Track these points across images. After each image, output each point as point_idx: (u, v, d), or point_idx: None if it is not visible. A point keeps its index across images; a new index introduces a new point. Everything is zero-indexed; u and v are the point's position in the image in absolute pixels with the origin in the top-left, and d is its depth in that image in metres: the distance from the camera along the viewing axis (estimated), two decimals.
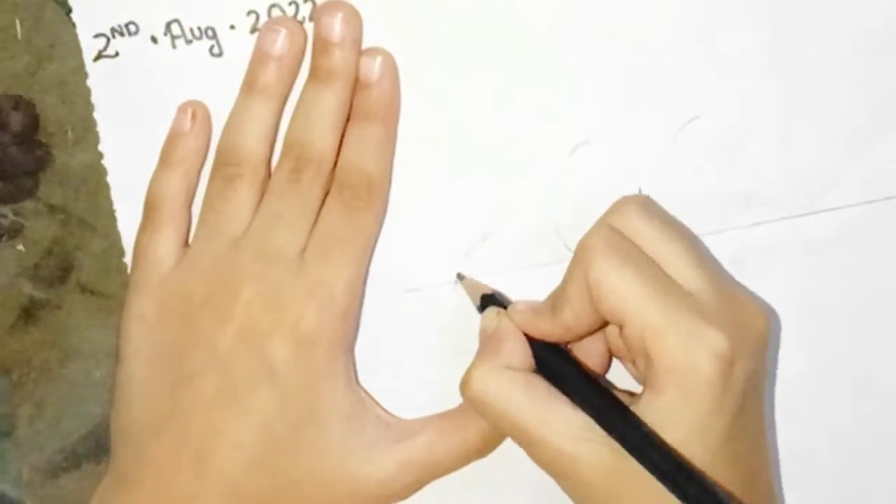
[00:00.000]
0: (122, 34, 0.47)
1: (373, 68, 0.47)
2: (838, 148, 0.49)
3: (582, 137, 0.49)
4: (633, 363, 0.45)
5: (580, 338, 0.45)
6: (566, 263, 0.45)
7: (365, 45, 0.47)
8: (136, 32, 0.47)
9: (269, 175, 0.47)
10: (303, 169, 0.46)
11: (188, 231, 0.48)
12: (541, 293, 0.46)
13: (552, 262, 0.48)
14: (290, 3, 0.48)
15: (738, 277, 0.48)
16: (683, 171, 0.49)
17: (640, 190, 0.48)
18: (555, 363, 0.45)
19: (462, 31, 0.48)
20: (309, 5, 0.48)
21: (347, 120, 0.47)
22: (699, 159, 0.49)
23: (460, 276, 0.48)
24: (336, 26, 0.46)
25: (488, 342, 0.45)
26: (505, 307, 0.46)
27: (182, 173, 0.47)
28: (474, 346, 0.47)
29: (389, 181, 0.48)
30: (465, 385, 0.44)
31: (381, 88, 0.47)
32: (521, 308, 0.45)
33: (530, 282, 0.48)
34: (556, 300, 0.44)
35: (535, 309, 0.45)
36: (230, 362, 0.45)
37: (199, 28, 0.48)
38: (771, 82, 0.48)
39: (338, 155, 0.47)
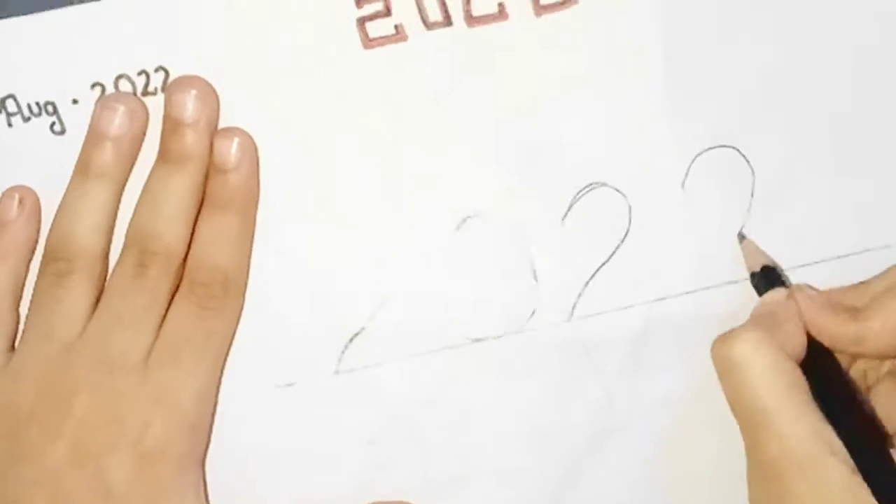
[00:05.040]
0: None
1: (230, 152, 0.44)
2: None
3: (470, 209, 0.45)
4: None
5: (864, 356, 0.43)
6: (460, 349, 0.42)
7: (220, 125, 0.44)
8: None
9: (106, 270, 0.44)
10: (148, 263, 0.43)
11: (15, 334, 0.44)
12: (432, 384, 0.45)
13: (444, 347, 0.45)
14: (139, 73, 0.45)
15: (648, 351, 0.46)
16: (580, 244, 0.46)
17: (533, 266, 0.45)
18: (825, 369, 0.42)
19: (329, 101, 0.45)
20: (160, 75, 0.45)
21: (199, 206, 0.44)
22: (596, 231, 0.46)
23: (742, 237, 0.45)
24: (189, 105, 0.43)
25: (766, 317, 0.43)
26: (784, 284, 0.44)
27: (8, 268, 0.44)
28: (358, 446, 0.44)
29: (247, 276, 0.45)
30: (727, 344, 0.41)
31: (238, 174, 0.44)
32: (812, 295, 0.43)
33: (419, 371, 0.45)
34: (866, 306, 0.41)
35: (832, 303, 0.42)
36: (61, 483, 0.41)
37: (37, 104, 0.45)
38: (674, 144, 0.46)
39: (189, 246, 0.44)
